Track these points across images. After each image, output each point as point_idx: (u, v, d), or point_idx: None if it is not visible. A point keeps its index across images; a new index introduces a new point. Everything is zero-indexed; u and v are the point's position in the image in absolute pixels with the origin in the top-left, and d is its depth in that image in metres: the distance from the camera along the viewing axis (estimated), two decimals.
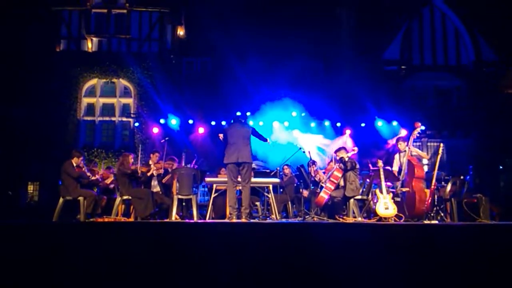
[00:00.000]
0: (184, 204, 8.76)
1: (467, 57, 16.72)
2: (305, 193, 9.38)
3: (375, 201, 7.89)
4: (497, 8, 15.70)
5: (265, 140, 8.23)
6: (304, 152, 9.20)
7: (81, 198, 8.26)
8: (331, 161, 9.26)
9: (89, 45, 16.22)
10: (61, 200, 8.29)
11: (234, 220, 7.40)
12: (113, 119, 16.14)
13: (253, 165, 8.44)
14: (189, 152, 9.45)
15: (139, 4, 16.42)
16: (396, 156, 8.63)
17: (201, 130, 14.27)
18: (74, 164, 8.50)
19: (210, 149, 13.78)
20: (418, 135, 8.27)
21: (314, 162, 9.54)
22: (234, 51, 14.99)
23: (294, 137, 13.47)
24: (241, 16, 15.58)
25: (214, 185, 8.62)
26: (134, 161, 8.88)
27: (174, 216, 8.20)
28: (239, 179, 7.79)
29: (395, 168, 8.50)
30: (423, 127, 14.62)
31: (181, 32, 17.91)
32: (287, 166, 10.07)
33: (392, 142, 12.21)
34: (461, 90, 16.80)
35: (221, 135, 8.06)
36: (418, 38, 17.01)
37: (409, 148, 8.10)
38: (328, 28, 16.44)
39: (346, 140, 13.51)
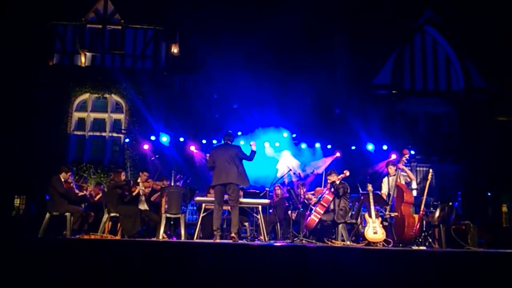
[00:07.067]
0: (172, 222, 8.67)
1: (457, 83, 16.91)
2: (293, 215, 9.29)
3: (364, 225, 7.87)
4: (487, 37, 15.97)
5: (249, 157, 7.78)
6: (294, 173, 9.19)
7: (67, 214, 8.12)
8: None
9: (83, 60, 16.23)
10: (47, 215, 8.14)
11: (220, 241, 7.34)
12: (103, 134, 16.07)
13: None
14: (178, 170, 9.39)
15: (134, 21, 16.51)
16: (385, 179, 8.63)
17: (192, 148, 14.22)
18: (62, 179, 8.37)
19: (200, 167, 13.73)
20: (406, 161, 8.28)
21: (304, 184, 9.50)
22: (226, 72, 15.07)
23: (284, 158, 13.45)
24: (235, 37, 15.70)
25: (203, 205, 8.53)
26: (125, 178, 8.79)
27: (161, 235, 8.11)
28: (226, 198, 7.73)
29: (384, 191, 8.51)
30: (412, 152, 14.74)
31: (175, 49, 17.99)
32: (278, 187, 10.02)
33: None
34: (451, 116, 16.95)
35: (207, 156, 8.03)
36: (409, 64, 17.20)
37: (397, 171, 8.11)
38: (319, 53, 16.60)
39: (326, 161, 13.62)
